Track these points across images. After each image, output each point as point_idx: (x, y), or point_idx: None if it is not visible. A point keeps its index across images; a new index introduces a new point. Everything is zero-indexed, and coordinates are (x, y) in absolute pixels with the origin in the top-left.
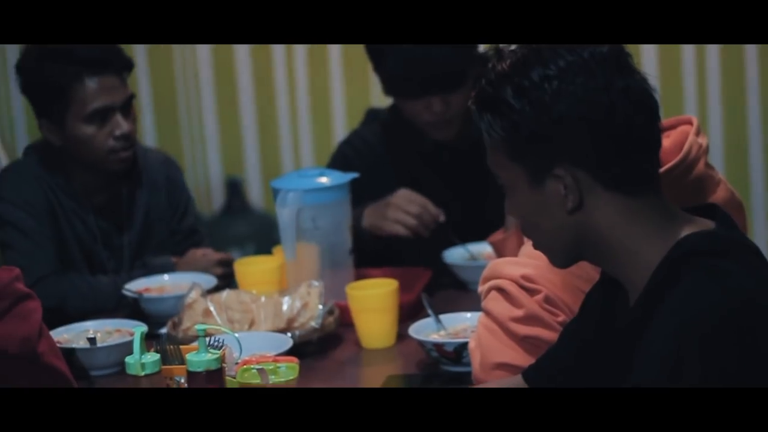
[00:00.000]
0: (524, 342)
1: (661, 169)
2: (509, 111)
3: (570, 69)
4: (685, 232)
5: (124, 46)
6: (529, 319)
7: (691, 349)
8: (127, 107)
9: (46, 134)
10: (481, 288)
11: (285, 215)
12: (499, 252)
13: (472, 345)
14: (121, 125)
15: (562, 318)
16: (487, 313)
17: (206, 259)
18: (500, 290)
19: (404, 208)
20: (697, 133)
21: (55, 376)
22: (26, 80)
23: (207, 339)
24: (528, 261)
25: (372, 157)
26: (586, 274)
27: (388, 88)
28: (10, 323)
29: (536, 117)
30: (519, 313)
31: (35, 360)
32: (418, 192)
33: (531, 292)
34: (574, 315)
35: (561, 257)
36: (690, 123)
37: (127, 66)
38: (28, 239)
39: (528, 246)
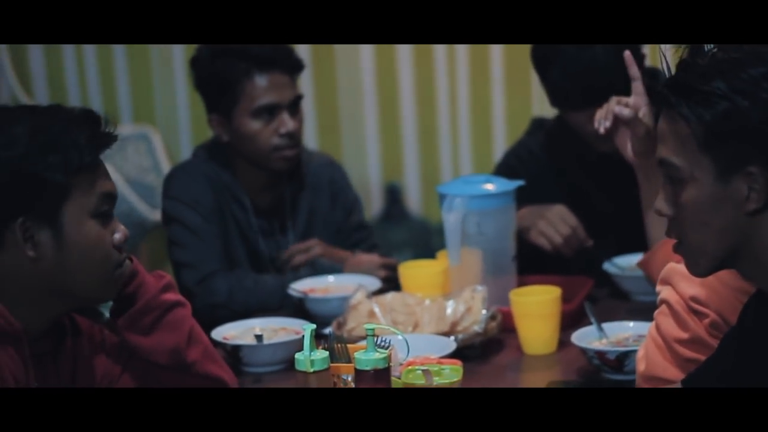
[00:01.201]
0: (687, 364)
1: None
2: (720, 100)
3: None
4: None
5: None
6: (694, 344)
7: None
8: (295, 107)
9: (215, 129)
10: (658, 288)
11: (451, 220)
12: (648, 272)
13: (640, 353)
14: (287, 123)
15: None
16: (657, 327)
17: (371, 261)
18: (670, 306)
19: (555, 226)
20: None
21: (209, 383)
22: (199, 75)
23: (374, 339)
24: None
25: (536, 167)
26: None
27: (554, 100)
28: (158, 335)
29: (748, 111)
30: (685, 336)
31: (186, 369)
32: (581, 203)
33: (699, 315)
34: None
35: (708, 263)
36: None
37: (296, 66)
38: (195, 236)
39: None
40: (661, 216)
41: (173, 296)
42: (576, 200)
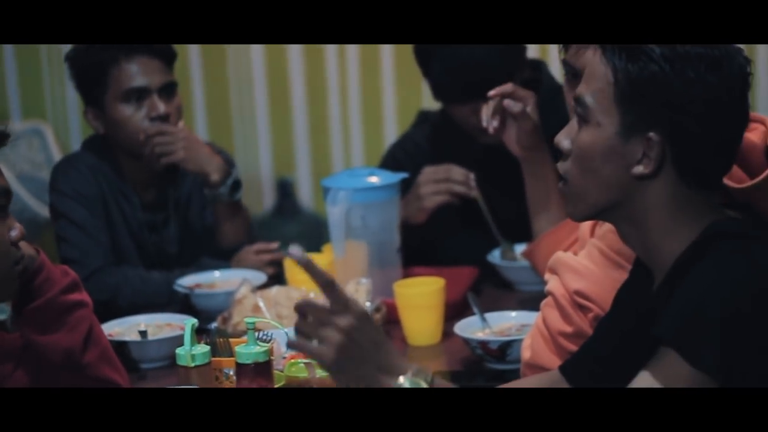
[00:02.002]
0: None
1: (760, 178)
2: (649, 61)
3: (720, 62)
4: None
5: (179, 47)
6: (578, 337)
7: (713, 314)
8: (167, 92)
9: (91, 123)
10: (546, 277)
11: (335, 213)
12: (533, 261)
13: (526, 342)
14: (158, 107)
15: None
16: (543, 318)
17: (258, 259)
18: (555, 299)
19: (433, 178)
20: None
21: (102, 386)
22: (73, 67)
23: (256, 333)
24: (586, 269)
25: (422, 159)
26: None
27: (436, 94)
28: (56, 334)
29: (671, 81)
30: (569, 329)
31: (80, 370)
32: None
33: (583, 309)
34: None
35: (587, 209)
36: (763, 123)
37: (166, 52)
38: (82, 231)
39: (591, 247)
40: (558, 148)
41: (77, 296)
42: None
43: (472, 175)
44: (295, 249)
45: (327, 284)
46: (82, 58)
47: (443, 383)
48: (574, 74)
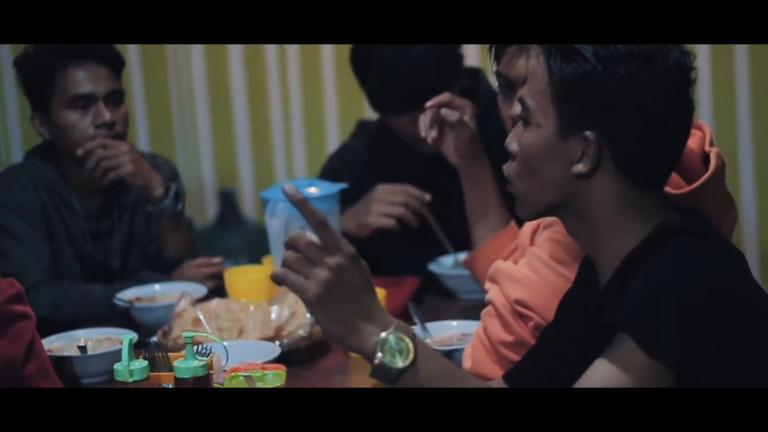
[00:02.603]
0: (512, 365)
1: (698, 183)
2: (582, 61)
3: (653, 59)
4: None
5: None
6: (519, 346)
7: (670, 306)
8: (114, 100)
9: (37, 129)
10: (486, 286)
11: (274, 225)
12: (474, 270)
13: (467, 351)
14: (103, 114)
15: None
16: (484, 327)
17: (199, 272)
18: (496, 308)
19: (388, 199)
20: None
21: None
22: (20, 73)
23: (195, 347)
24: (526, 278)
25: (361, 169)
26: None
27: (374, 105)
28: (2, 342)
29: (603, 80)
30: (509, 339)
31: (20, 382)
32: None
33: (524, 318)
34: None
35: (532, 209)
36: (701, 129)
37: (113, 58)
38: (21, 245)
39: (531, 256)
40: (508, 150)
41: (20, 307)
42: None
43: (427, 196)
44: (289, 186)
45: (319, 224)
46: (30, 63)
47: (424, 344)
48: (507, 85)
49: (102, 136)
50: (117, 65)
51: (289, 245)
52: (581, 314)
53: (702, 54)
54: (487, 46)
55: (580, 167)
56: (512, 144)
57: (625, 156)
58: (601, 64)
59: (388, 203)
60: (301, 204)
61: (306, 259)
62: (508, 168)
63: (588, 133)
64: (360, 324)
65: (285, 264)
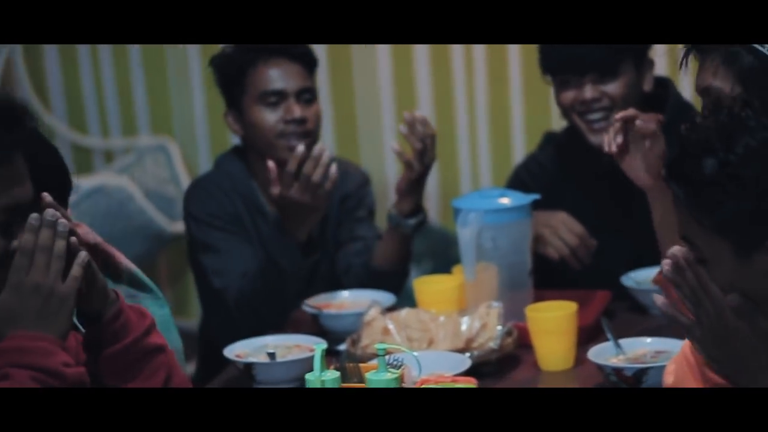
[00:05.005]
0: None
1: None
2: (713, 190)
3: None
4: None
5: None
6: None
7: None
8: (306, 98)
9: (230, 126)
10: None
11: (466, 235)
12: (666, 291)
13: (670, 367)
14: (293, 110)
15: None
16: (690, 345)
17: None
18: None
19: (561, 235)
20: None
21: None
22: (216, 71)
23: (386, 358)
24: None
25: (547, 180)
26: None
27: (545, 67)
28: (132, 382)
29: (743, 194)
30: None
31: None
32: (593, 214)
33: None
34: None
35: None
36: None
37: (306, 56)
38: (218, 255)
39: None
40: None
41: (156, 339)
42: (588, 212)
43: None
44: None
45: None
46: (224, 61)
47: None
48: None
49: (291, 132)
50: (309, 63)
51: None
52: None
53: None
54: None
55: None
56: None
57: None
58: (726, 180)
59: (559, 238)
60: None
61: (696, 285)
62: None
63: None
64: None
65: (675, 282)
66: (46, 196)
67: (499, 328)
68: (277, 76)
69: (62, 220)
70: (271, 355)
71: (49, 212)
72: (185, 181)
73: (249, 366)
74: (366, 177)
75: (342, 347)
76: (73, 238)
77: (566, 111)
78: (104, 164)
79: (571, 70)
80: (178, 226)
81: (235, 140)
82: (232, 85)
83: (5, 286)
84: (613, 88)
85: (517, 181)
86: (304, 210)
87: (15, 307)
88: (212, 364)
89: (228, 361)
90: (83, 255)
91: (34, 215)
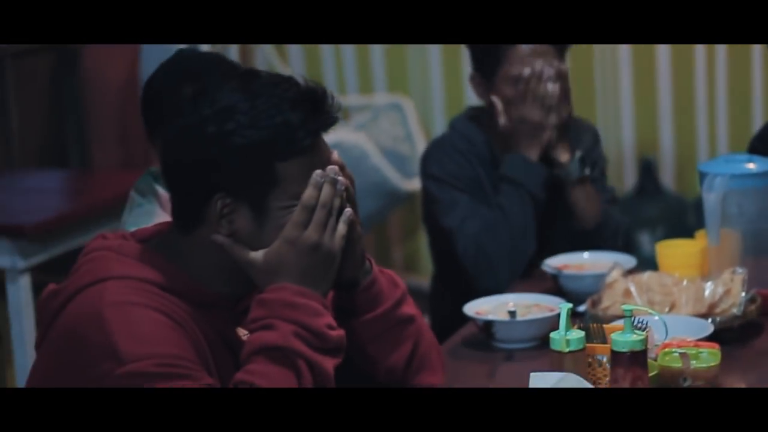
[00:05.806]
0: None
1: None
2: None
3: None
4: None
5: None
6: None
7: None
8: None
9: (474, 87)
10: None
11: (711, 200)
12: None
13: None
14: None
15: None
16: None
17: None
18: None
19: None
20: None
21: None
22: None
23: (631, 320)
24: None
25: None
26: None
27: None
28: (380, 352)
29: None
30: None
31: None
32: None
33: None
34: None
35: None
36: None
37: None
38: (455, 205)
39: None
40: None
41: (406, 309)
42: None
43: None
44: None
45: None
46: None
47: None
48: None
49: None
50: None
51: None
52: None
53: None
54: None
55: None
56: None
57: None
58: None
59: None
60: None
61: None
62: None
63: None
64: None
65: None
66: (335, 153)
67: (743, 294)
68: (531, 57)
69: (341, 178)
70: (512, 314)
71: (333, 169)
72: (420, 140)
73: (489, 324)
74: (597, 135)
75: (581, 308)
76: (344, 195)
77: None
78: (341, 121)
79: None
80: (412, 185)
81: (471, 100)
82: (486, 54)
83: (280, 238)
84: None
85: (752, 152)
86: (536, 130)
87: (287, 261)
88: (445, 323)
89: (468, 319)
90: (348, 212)
91: (318, 171)
